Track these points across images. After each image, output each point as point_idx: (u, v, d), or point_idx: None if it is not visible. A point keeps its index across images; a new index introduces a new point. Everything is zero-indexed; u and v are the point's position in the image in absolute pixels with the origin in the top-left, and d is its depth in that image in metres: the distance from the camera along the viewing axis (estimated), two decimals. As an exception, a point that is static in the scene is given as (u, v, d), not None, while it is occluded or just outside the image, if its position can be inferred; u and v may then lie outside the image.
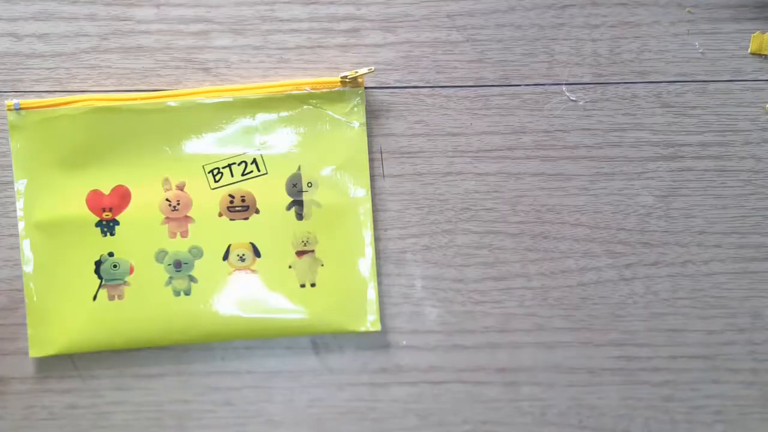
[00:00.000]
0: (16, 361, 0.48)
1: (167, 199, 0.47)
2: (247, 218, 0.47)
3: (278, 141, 0.47)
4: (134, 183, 0.47)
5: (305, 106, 0.47)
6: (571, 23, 0.48)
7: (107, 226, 0.47)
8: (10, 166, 0.47)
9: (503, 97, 0.48)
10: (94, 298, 0.47)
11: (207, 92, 0.47)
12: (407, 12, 0.48)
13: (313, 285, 0.47)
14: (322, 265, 0.47)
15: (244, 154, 0.47)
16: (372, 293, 0.47)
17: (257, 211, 0.47)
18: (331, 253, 0.47)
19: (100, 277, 0.47)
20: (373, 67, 0.46)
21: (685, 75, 0.49)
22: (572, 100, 0.49)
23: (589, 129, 0.49)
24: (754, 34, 0.49)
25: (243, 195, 0.47)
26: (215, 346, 0.48)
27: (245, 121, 0.47)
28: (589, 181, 0.48)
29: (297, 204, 0.47)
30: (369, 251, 0.47)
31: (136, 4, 0.48)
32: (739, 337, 0.49)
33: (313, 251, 0.47)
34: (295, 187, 0.47)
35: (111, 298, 0.47)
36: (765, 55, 0.49)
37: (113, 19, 0.48)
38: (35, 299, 0.46)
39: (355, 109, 0.47)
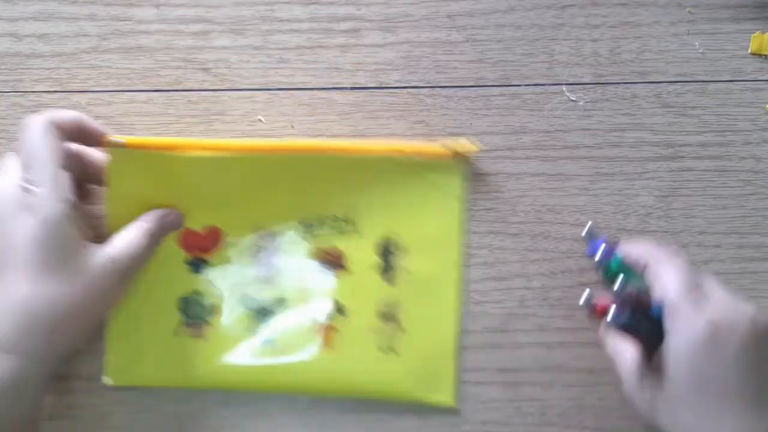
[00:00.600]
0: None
1: (258, 246, 0.46)
2: (335, 275, 0.46)
3: (374, 202, 0.46)
4: (227, 226, 0.46)
5: (406, 172, 0.46)
6: (571, 23, 0.49)
7: (197, 265, 0.46)
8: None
9: (503, 97, 0.48)
10: (176, 333, 0.46)
11: (308, 148, 0.45)
12: (407, 12, 0.48)
13: (392, 351, 0.46)
14: (404, 332, 0.46)
15: (338, 211, 0.46)
16: (451, 368, 0.46)
17: (345, 269, 0.46)
18: (414, 321, 0.46)
19: (183, 314, 0.46)
20: (481, 145, 0.46)
21: (685, 75, 0.49)
22: (572, 100, 0.49)
23: (589, 129, 0.49)
24: (754, 35, 0.49)
25: (333, 251, 0.46)
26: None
27: (342, 179, 0.46)
28: (589, 182, 0.48)
29: (386, 268, 0.46)
30: (453, 325, 0.46)
31: (136, 5, 0.48)
32: (739, 337, 0.49)
33: (397, 317, 0.46)
34: (387, 251, 0.46)
35: (192, 335, 0.46)
36: (765, 55, 0.49)
37: (113, 19, 0.48)
38: (116, 327, 0.46)
39: (457, 180, 0.46)
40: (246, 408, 0.48)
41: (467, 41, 0.49)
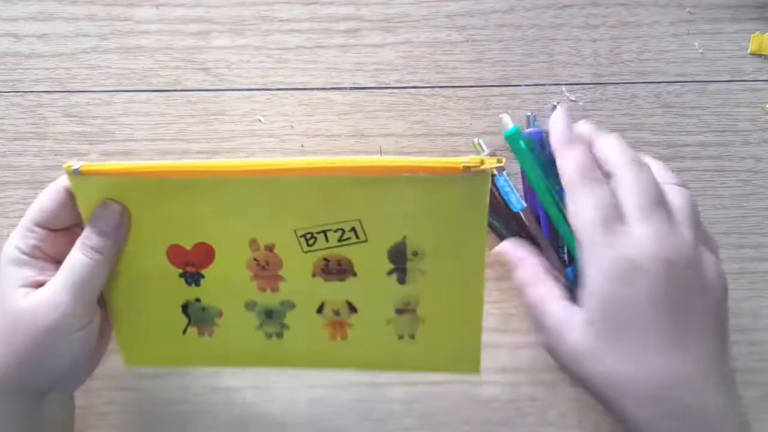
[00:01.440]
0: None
1: (255, 259, 0.42)
2: (343, 280, 0.43)
3: (386, 219, 0.41)
4: (218, 242, 0.42)
5: (423, 189, 0.40)
6: (570, 23, 0.48)
7: (192, 278, 0.43)
8: (8, 165, 0.47)
9: (503, 97, 0.48)
10: (184, 332, 0.45)
11: (303, 170, 0.39)
12: (407, 12, 0.48)
13: (412, 337, 0.44)
14: (423, 323, 0.44)
15: (341, 222, 0.41)
16: (476, 343, 0.44)
17: (354, 275, 0.43)
18: (434, 312, 0.44)
19: (188, 317, 0.45)
20: (504, 159, 0.39)
21: (685, 75, 0.49)
22: (572, 101, 0.49)
23: (588, 129, 0.49)
24: (754, 34, 0.49)
25: (339, 259, 0.42)
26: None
27: (345, 197, 0.40)
28: (588, 181, 0.48)
29: (399, 270, 0.42)
30: (478, 310, 0.43)
31: (136, 5, 0.48)
32: (738, 337, 0.49)
33: (414, 310, 0.44)
34: (399, 255, 0.42)
35: (201, 334, 0.45)
36: (765, 55, 0.49)
37: (113, 19, 0.48)
38: (124, 320, 0.45)
39: (476, 196, 0.40)
40: (246, 408, 0.48)
41: (467, 41, 0.49)
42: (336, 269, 0.43)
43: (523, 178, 0.47)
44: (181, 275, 0.43)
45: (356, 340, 0.45)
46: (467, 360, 0.44)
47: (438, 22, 0.48)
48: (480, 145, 0.46)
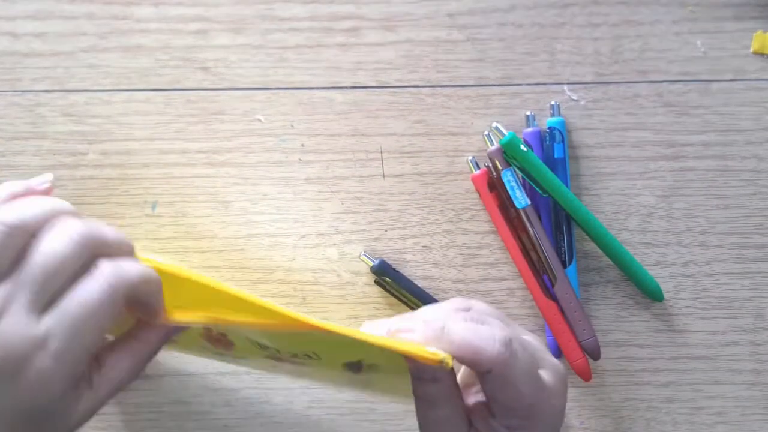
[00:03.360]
0: (14, 361, 0.47)
1: (207, 328, 0.37)
2: (294, 364, 0.41)
3: (344, 351, 0.38)
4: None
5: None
6: (572, 22, 0.48)
7: None
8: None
9: (504, 96, 0.48)
10: None
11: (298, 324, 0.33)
12: (408, 11, 0.48)
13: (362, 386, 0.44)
14: (372, 385, 0.44)
15: (306, 350, 0.38)
16: None
17: (308, 366, 0.41)
18: (384, 382, 0.42)
19: None
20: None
21: (687, 74, 0.48)
22: (574, 100, 0.48)
23: (590, 128, 0.48)
24: (757, 33, 0.48)
25: (292, 359, 0.40)
26: (214, 346, 0.48)
27: (314, 341, 0.37)
28: (590, 181, 0.48)
29: (354, 369, 0.40)
30: None
31: (135, 3, 0.48)
32: (741, 338, 0.48)
33: (365, 382, 0.43)
34: (354, 366, 0.39)
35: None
36: (767, 54, 0.48)
37: (112, 18, 0.48)
38: None
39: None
40: (245, 409, 0.48)
41: (468, 40, 0.48)
42: (288, 360, 0.40)
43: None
44: None
45: (312, 372, 0.43)
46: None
47: (439, 21, 0.48)
48: (488, 138, 0.47)
